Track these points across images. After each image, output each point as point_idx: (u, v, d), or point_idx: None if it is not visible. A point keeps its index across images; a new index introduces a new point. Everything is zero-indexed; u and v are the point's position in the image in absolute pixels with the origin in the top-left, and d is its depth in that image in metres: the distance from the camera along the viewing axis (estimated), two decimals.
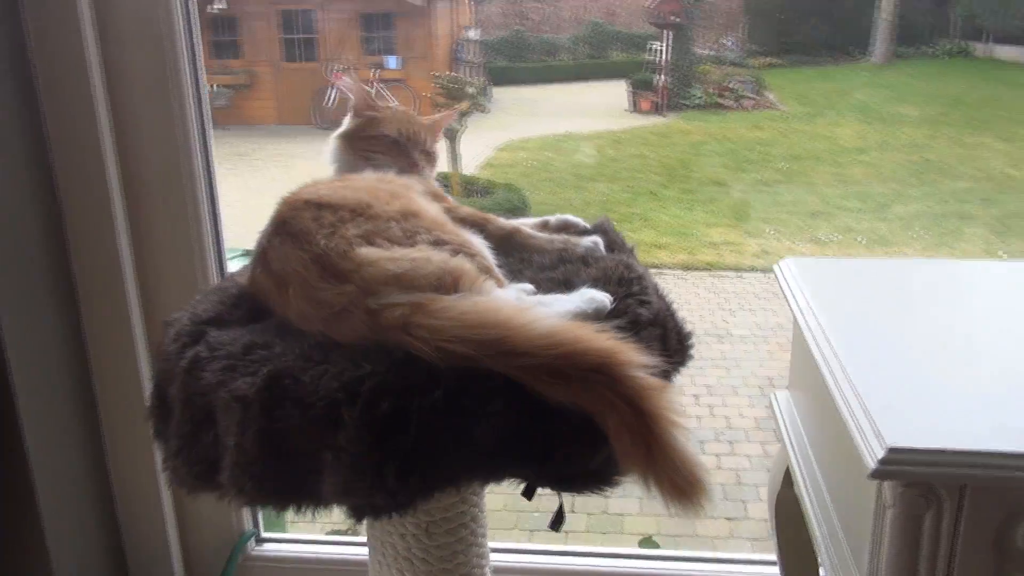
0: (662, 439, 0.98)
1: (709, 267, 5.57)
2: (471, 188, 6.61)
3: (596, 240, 1.40)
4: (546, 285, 1.25)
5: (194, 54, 1.80)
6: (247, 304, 1.26)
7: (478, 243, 1.27)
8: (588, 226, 1.47)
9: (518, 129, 9.06)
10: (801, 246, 5.76)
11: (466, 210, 1.41)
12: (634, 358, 1.01)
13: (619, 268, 1.28)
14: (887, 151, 8.00)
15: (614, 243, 1.43)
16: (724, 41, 11.30)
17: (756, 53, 11.21)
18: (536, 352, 1.00)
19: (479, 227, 1.38)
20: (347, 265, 1.11)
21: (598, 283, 1.23)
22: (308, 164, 8.76)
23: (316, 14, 10.10)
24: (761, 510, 3.23)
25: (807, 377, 1.43)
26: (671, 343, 1.26)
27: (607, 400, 0.99)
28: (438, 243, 1.19)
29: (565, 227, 1.46)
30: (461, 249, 1.19)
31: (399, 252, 1.13)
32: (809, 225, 6.16)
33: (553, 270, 1.30)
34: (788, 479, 1.51)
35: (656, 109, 9.62)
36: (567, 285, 1.24)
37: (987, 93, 9.91)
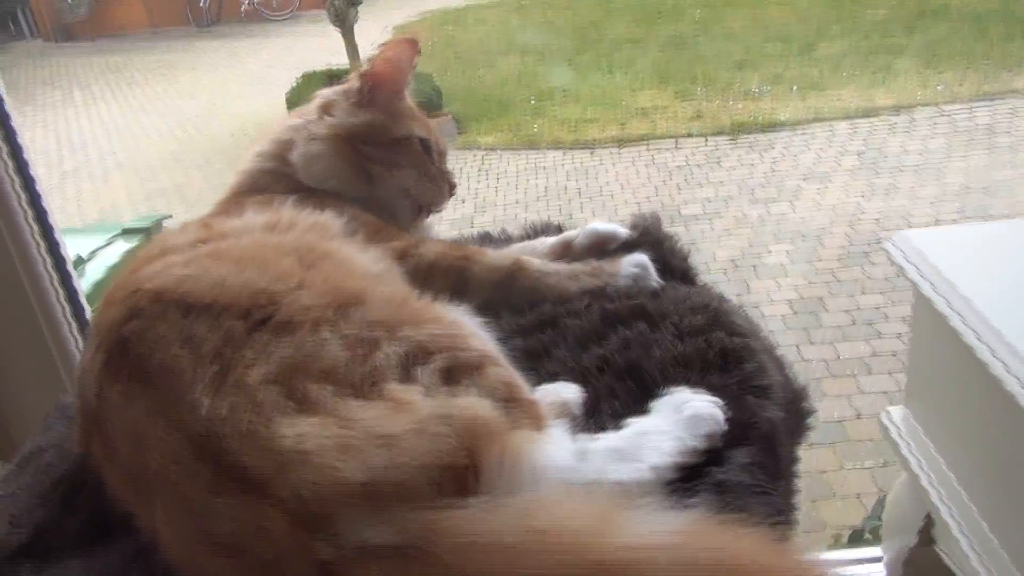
0: None
1: (644, 139, 5.02)
2: None
3: (641, 262, 0.85)
4: (599, 380, 0.71)
5: None
6: (86, 499, 0.68)
7: (474, 329, 0.72)
8: (628, 233, 0.91)
9: (413, 5, 8.15)
10: (733, 103, 5.24)
11: (433, 247, 0.84)
12: None
13: (713, 330, 0.74)
14: None
15: (668, 257, 0.88)
16: None
17: None
18: None
19: (458, 273, 0.83)
20: (262, 463, 0.55)
21: (689, 369, 0.70)
22: (193, 75, 7.76)
23: None
24: None
25: (959, 390, 0.95)
26: (794, 428, 0.76)
27: None
28: (412, 359, 0.63)
29: (599, 242, 0.90)
30: (453, 355, 0.64)
31: (355, 417, 0.57)
32: (736, 78, 5.62)
33: (602, 343, 0.75)
34: (926, 534, 1.05)
35: None
36: (636, 378, 0.71)
37: None
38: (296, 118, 0.97)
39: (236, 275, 0.67)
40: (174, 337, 0.62)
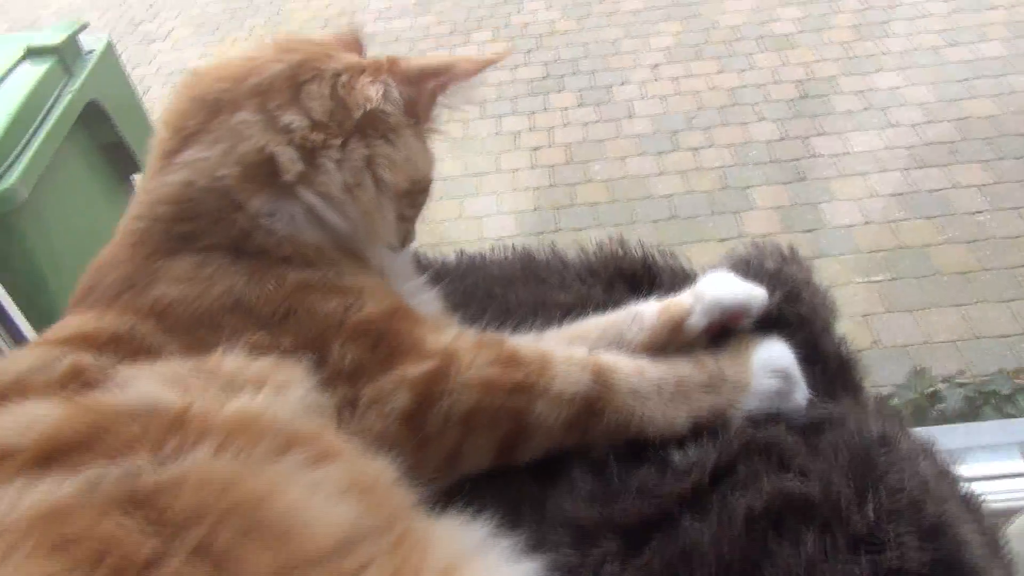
0: None
1: None
2: None
3: (783, 367, 0.52)
4: None
5: None
6: None
7: None
8: (764, 300, 0.55)
9: None
10: None
11: (476, 373, 0.49)
12: None
13: None
14: None
15: (817, 338, 0.55)
16: None
17: None
18: None
19: (513, 419, 0.50)
20: None
21: None
22: None
23: None
24: (758, 216, 2.55)
25: None
26: None
27: None
28: None
29: (723, 320, 0.55)
30: None
31: None
32: None
33: None
34: None
35: None
36: None
37: None
38: (281, 102, 0.54)
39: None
40: None
